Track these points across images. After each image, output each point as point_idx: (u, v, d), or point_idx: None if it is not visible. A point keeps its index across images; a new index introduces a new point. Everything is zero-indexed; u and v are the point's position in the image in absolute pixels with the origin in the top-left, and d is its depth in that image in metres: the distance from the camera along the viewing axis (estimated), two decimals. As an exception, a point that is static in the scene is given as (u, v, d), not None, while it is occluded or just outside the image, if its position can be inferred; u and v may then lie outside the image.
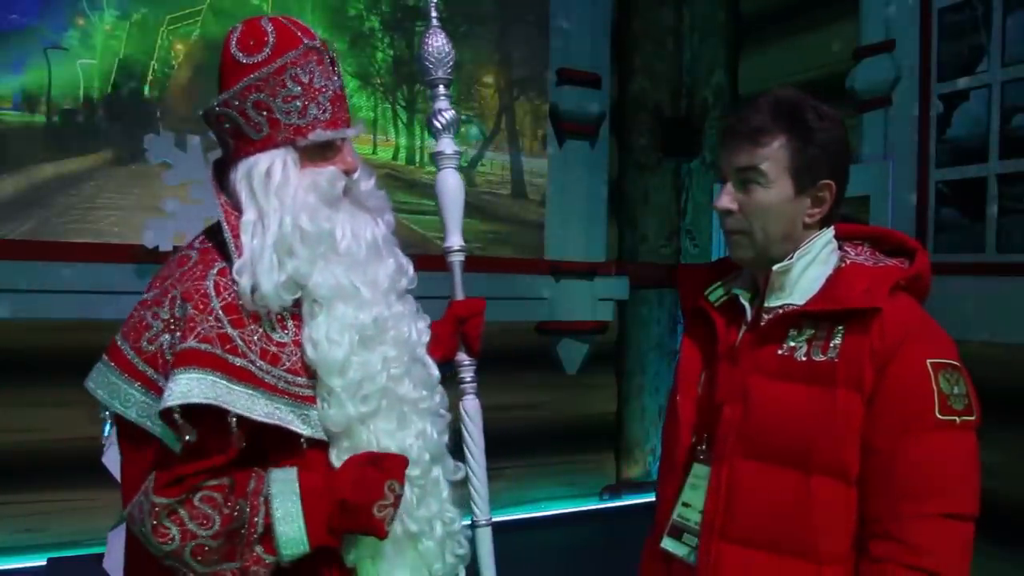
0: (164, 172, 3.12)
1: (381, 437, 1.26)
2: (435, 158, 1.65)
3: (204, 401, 1.11)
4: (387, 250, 1.35)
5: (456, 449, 1.49)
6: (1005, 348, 2.95)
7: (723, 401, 1.24)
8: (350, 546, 1.26)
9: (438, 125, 1.64)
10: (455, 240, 1.66)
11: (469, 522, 1.60)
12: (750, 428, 1.19)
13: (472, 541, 1.52)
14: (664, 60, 4.62)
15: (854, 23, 3.71)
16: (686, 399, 1.33)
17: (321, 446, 1.24)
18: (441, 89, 1.64)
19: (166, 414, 1.11)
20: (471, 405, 1.65)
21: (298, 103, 1.19)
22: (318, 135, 1.22)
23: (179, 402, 1.10)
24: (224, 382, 1.14)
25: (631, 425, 4.64)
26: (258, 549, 1.18)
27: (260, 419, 1.16)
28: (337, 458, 1.25)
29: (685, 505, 1.28)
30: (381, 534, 1.21)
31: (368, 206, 1.34)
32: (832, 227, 1.28)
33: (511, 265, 4.16)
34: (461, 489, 1.47)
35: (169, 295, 1.22)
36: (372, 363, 1.25)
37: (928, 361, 1.12)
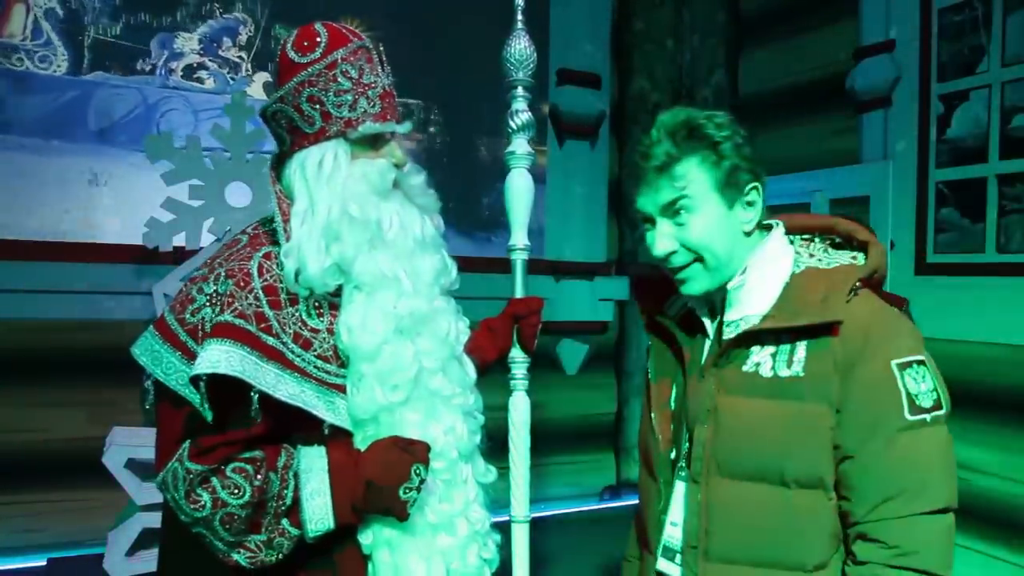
0: (164, 172, 3.11)
1: (407, 428, 1.28)
2: (507, 158, 1.67)
3: (231, 373, 1.14)
4: (434, 247, 1.39)
5: (496, 448, 1.50)
6: (1005, 348, 2.95)
7: (695, 422, 1.23)
8: (367, 532, 1.28)
9: (513, 125, 1.66)
10: (520, 239, 1.70)
11: (506, 517, 1.61)
12: (723, 447, 1.18)
13: (508, 535, 1.54)
14: (664, 60, 4.62)
15: (854, 23, 3.71)
16: (661, 415, 1.33)
17: (343, 434, 1.27)
18: (520, 91, 1.67)
19: (194, 381, 1.16)
20: (520, 401, 1.67)
21: (348, 97, 1.25)
22: (368, 127, 1.27)
23: (207, 371, 1.14)
24: (254, 358, 1.18)
25: (631, 425, 4.64)
26: (284, 522, 1.22)
27: (283, 399, 1.19)
28: (362, 445, 1.27)
29: (673, 525, 1.27)
30: (403, 515, 1.24)
31: (417, 202, 1.38)
32: (779, 225, 1.26)
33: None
34: (495, 488, 1.47)
35: (215, 272, 1.25)
36: (404, 353, 1.27)
37: (892, 363, 1.12)
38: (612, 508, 4.34)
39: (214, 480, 1.19)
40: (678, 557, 1.24)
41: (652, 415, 1.34)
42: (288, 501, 1.21)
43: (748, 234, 1.22)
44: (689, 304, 1.31)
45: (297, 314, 1.24)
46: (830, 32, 3.92)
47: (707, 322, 1.28)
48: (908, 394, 1.11)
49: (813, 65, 4.00)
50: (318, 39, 1.26)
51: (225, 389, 1.16)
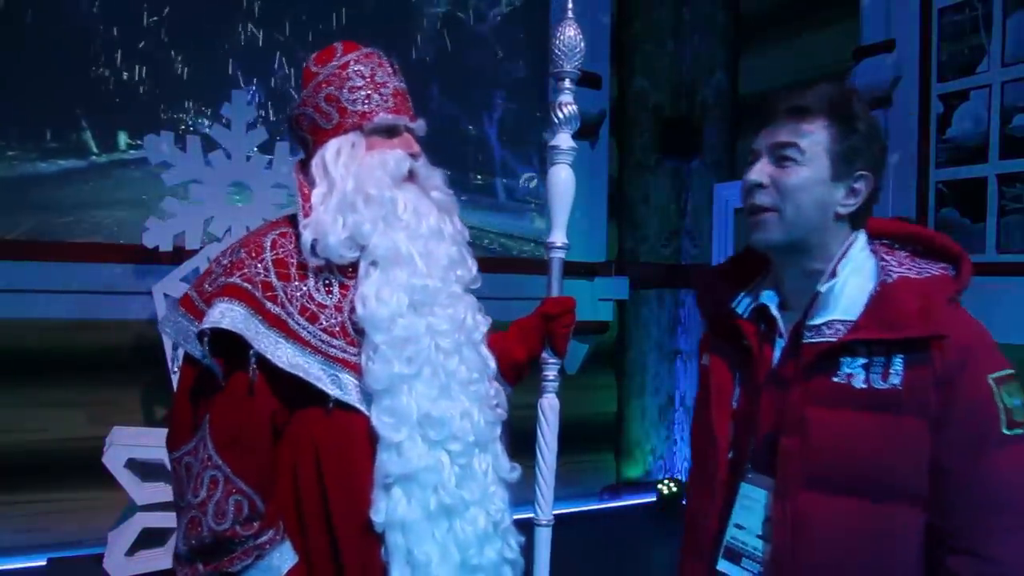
0: (164, 172, 3.11)
1: (422, 401, 1.29)
2: (549, 152, 1.61)
3: (231, 329, 1.20)
4: (451, 240, 1.42)
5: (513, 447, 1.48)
6: (1005, 348, 2.94)
7: (778, 432, 1.19)
8: (379, 509, 1.26)
9: (557, 119, 1.59)
10: (559, 236, 1.63)
11: (523, 515, 1.58)
12: (813, 460, 1.15)
13: (530, 539, 1.54)
14: (664, 60, 4.62)
15: (854, 23, 3.71)
16: (721, 415, 1.28)
17: (347, 409, 1.28)
18: (567, 83, 1.59)
19: (200, 337, 1.22)
20: (548, 404, 1.63)
21: (362, 92, 1.35)
22: (382, 119, 1.36)
23: (210, 326, 1.20)
24: (255, 321, 1.23)
25: (631, 425, 4.64)
26: None
27: (282, 365, 1.23)
28: (377, 419, 1.27)
29: (738, 527, 1.23)
30: None
31: (433, 196, 1.42)
32: (862, 232, 1.24)
33: (511, 265, 4.18)
34: (520, 490, 1.46)
35: (232, 247, 1.35)
36: (417, 326, 1.31)
37: (990, 378, 1.12)
38: (612, 508, 4.34)
39: (220, 488, 1.23)
40: (744, 561, 1.21)
41: (712, 413, 1.29)
42: (234, 569, 1.25)
43: (839, 219, 1.19)
44: (761, 299, 1.27)
45: (305, 288, 1.29)
46: (830, 32, 3.92)
47: (781, 321, 1.24)
48: (1006, 408, 1.11)
49: (813, 65, 4.00)
50: (335, 52, 1.38)
51: (230, 352, 1.22)
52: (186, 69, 3.60)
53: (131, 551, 2.89)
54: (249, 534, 1.24)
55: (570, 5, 1.61)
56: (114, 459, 2.83)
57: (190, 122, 3.61)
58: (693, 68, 4.65)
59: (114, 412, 3.21)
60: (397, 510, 1.26)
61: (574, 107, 1.59)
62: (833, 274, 1.19)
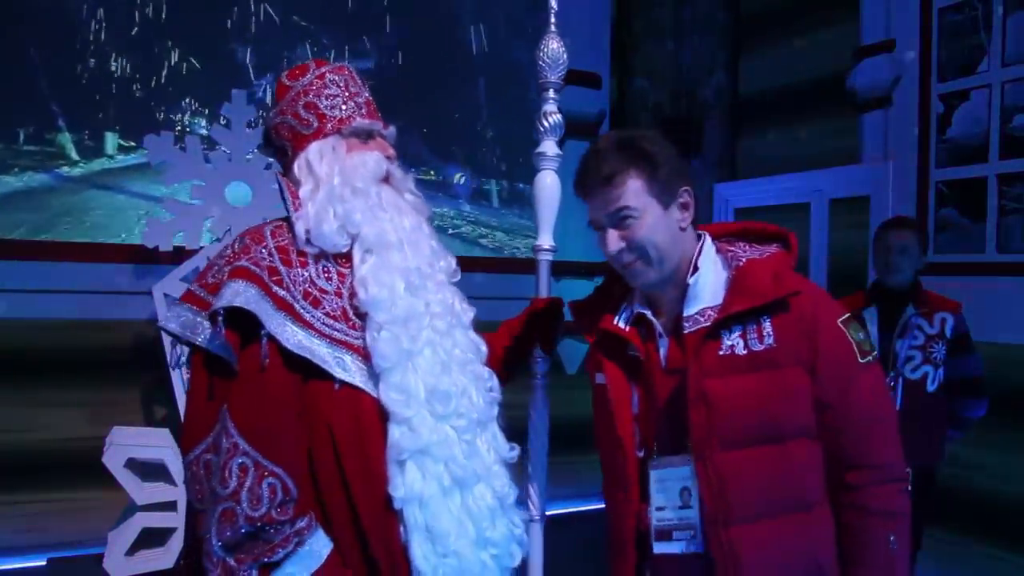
0: (164, 172, 3.12)
1: (427, 377, 1.34)
2: (536, 159, 1.70)
3: (245, 307, 1.24)
4: (430, 235, 1.48)
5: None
6: (1005, 348, 2.95)
7: (682, 412, 1.34)
8: (398, 486, 1.29)
9: (542, 127, 1.68)
10: (545, 240, 1.75)
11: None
12: (720, 424, 1.31)
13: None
14: (664, 60, 4.63)
15: (854, 23, 3.72)
16: (624, 420, 1.43)
17: (351, 388, 1.31)
18: (551, 92, 1.70)
19: (213, 319, 1.25)
20: (539, 400, 1.71)
21: (339, 100, 1.45)
22: (359, 123, 1.45)
23: (225, 304, 1.24)
24: (265, 303, 1.27)
25: (631, 425, 4.63)
26: (254, 572, 1.23)
27: (290, 347, 1.26)
28: (386, 395, 1.30)
29: (659, 509, 1.38)
30: None
31: (407, 198, 1.49)
32: (706, 234, 1.45)
33: (510, 265, 4.17)
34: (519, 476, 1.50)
35: (232, 241, 1.40)
36: (416, 305, 1.37)
37: (839, 321, 1.36)
38: (612, 508, 4.34)
39: (250, 473, 1.22)
40: (675, 533, 1.37)
41: (616, 422, 1.43)
42: (277, 558, 1.23)
43: (684, 230, 1.39)
44: (636, 310, 1.45)
45: (306, 274, 1.34)
46: (830, 32, 3.92)
47: (658, 323, 1.42)
48: (856, 342, 1.35)
49: (813, 65, 4.00)
50: (308, 67, 1.48)
51: (243, 335, 1.25)
52: (185, 63, 3.60)
53: (131, 551, 2.89)
54: (285, 519, 1.24)
55: (552, 20, 1.70)
56: (114, 459, 2.83)
57: (188, 123, 3.61)
58: (693, 68, 4.65)
59: (114, 412, 3.21)
60: (414, 486, 1.29)
61: (558, 116, 1.69)
62: (696, 268, 1.38)
